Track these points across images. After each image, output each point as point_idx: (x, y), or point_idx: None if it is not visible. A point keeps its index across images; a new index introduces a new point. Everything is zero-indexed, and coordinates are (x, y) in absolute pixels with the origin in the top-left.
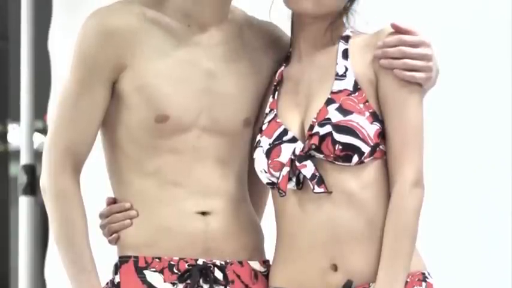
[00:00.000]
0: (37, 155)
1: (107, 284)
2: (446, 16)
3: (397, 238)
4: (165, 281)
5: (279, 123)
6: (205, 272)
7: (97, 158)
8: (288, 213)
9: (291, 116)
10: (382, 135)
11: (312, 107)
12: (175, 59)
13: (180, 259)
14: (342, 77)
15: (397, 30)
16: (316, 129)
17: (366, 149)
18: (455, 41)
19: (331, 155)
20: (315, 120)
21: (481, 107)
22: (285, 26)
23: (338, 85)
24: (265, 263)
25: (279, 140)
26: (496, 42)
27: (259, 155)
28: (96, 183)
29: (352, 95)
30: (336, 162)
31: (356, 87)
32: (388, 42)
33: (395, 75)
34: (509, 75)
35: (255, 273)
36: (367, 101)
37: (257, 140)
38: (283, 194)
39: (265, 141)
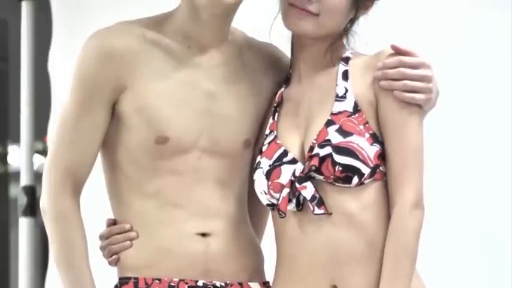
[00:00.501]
0: (37, 176)
1: None
2: (447, 37)
3: (397, 259)
4: None
5: (279, 144)
6: None
7: (97, 179)
8: (288, 235)
9: (291, 138)
10: (382, 156)
11: (312, 128)
12: (175, 81)
13: (180, 280)
14: (342, 98)
15: (397, 51)
16: (316, 150)
17: (366, 171)
18: (455, 62)
19: (331, 177)
20: (315, 142)
21: (481, 129)
22: (285, 47)
23: (338, 106)
24: (265, 284)
25: (279, 162)
26: (496, 64)
27: (259, 177)
28: (96, 204)
29: (352, 116)
30: (336, 184)
31: (356, 109)
32: (388, 64)
33: (395, 96)
34: (509, 97)
35: None
36: (367, 123)
37: (257, 161)
38: (283, 215)
39: (265, 163)
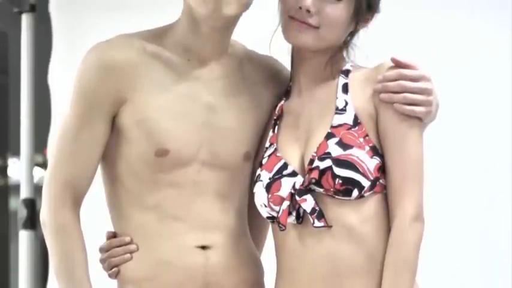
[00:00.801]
0: (37, 189)
1: None
2: (447, 50)
3: (397, 272)
4: None
5: (279, 157)
6: None
7: (97, 192)
8: (288, 247)
9: (291, 150)
10: (382, 169)
11: (312, 141)
12: (175, 93)
13: None
14: (342, 111)
15: (397, 64)
16: (316, 163)
17: (365, 183)
18: (455, 75)
19: (331, 189)
20: (315, 155)
21: (481, 142)
22: (285, 60)
23: (338, 119)
24: None
25: (279, 174)
26: (496, 77)
27: (259, 189)
28: (96, 217)
29: (352, 129)
30: (336, 197)
31: (356, 122)
32: (388, 76)
33: (395, 109)
34: (509, 110)
35: None
36: (367, 135)
37: (257, 174)
38: (283, 228)
39: (265, 176)
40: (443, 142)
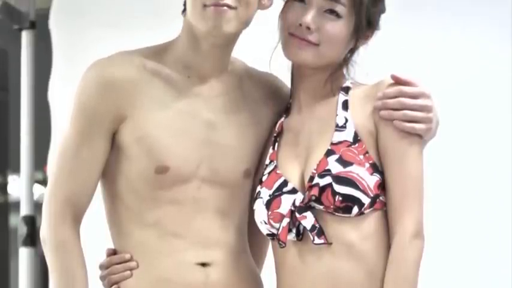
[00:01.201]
0: (37, 206)
1: None
2: (446, 67)
3: None
4: None
5: (279, 174)
6: None
7: (97, 209)
8: (288, 265)
9: (291, 167)
10: (382, 186)
11: (312, 158)
12: (175, 110)
13: None
14: (342, 128)
15: (397, 81)
16: (316, 180)
17: (366, 200)
18: (455, 92)
19: (331, 206)
20: (315, 172)
21: (481, 158)
22: (285, 77)
23: (338, 136)
24: None
25: (279, 191)
26: (496, 94)
27: (259, 206)
28: (96, 234)
29: (352, 146)
30: (336, 214)
31: (356, 139)
32: (388, 94)
33: (395, 126)
34: (509, 127)
35: None
36: (367, 152)
37: (257, 191)
38: (283, 245)
39: (265, 193)
40: (443, 159)
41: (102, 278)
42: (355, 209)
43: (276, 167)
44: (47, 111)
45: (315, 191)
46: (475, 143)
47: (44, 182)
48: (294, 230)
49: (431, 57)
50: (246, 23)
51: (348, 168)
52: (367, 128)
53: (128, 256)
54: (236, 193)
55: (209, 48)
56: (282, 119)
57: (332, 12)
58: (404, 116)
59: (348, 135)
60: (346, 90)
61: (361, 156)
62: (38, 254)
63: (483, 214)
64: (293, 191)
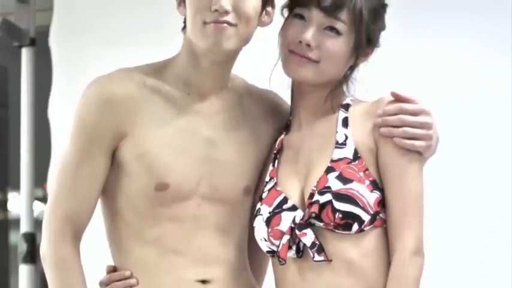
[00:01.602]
0: (37, 223)
1: None
2: (446, 84)
3: None
4: None
5: (279, 191)
6: None
7: (97, 226)
8: (288, 281)
9: (291, 184)
10: (382, 203)
11: (312, 175)
12: (175, 127)
13: None
14: (342, 145)
15: (397, 98)
16: (316, 197)
17: (366, 218)
18: (455, 109)
19: (331, 223)
20: (315, 189)
21: (481, 175)
22: (285, 94)
23: (338, 153)
24: None
25: (279, 209)
26: (496, 111)
27: (259, 223)
28: (96, 251)
29: (352, 163)
30: (336, 231)
31: (356, 156)
32: (388, 111)
33: (395, 143)
34: (509, 141)
35: None
36: (367, 169)
37: (257, 208)
38: (283, 262)
39: (265, 210)
40: (443, 176)
41: None
42: (355, 226)
43: (276, 184)
44: (47, 128)
45: (315, 208)
46: (475, 159)
47: (44, 199)
48: (294, 247)
49: (431, 74)
50: (246, 40)
51: (348, 185)
52: (367, 145)
53: (128, 273)
54: (236, 210)
55: (209, 65)
56: (282, 136)
57: (332, 29)
58: (404, 133)
59: (348, 152)
60: (346, 107)
61: (361, 174)
62: (38, 271)
63: (483, 232)
64: (293, 208)
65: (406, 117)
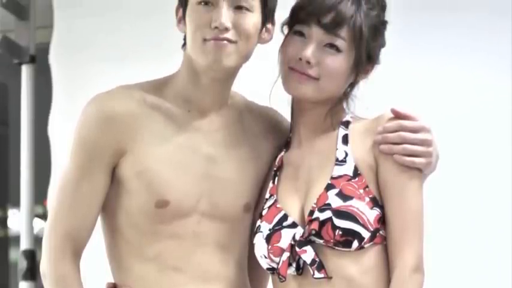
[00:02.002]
0: (37, 240)
1: None
2: (446, 100)
3: None
4: None
5: (279, 208)
6: None
7: (97, 243)
8: None
9: (291, 202)
10: (382, 220)
11: (312, 192)
12: (175, 145)
13: None
14: (342, 162)
15: (397, 115)
16: (316, 214)
17: (366, 235)
18: (455, 126)
19: (331, 241)
20: (315, 206)
21: (481, 193)
22: (285, 111)
23: (338, 170)
24: None
25: (279, 226)
26: (496, 129)
27: (259, 241)
28: (96, 268)
29: (352, 180)
30: (336, 248)
31: (356, 173)
32: (388, 128)
33: (395, 160)
34: (509, 158)
35: None
36: (367, 187)
37: (257, 225)
38: (283, 279)
39: (265, 227)
40: (443, 193)
41: None
42: (355, 243)
43: (276, 201)
44: (47, 145)
45: (315, 225)
46: (475, 176)
47: (44, 216)
48: (294, 264)
49: (431, 91)
50: (246, 57)
51: (348, 203)
52: (367, 162)
53: None
54: (236, 227)
55: (209, 82)
56: (282, 153)
57: (332, 46)
58: (404, 150)
59: (348, 169)
60: (346, 124)
61: (361, 191)
62: None
63: (483, 251)
64: (293, 225)
65: (406, 134)
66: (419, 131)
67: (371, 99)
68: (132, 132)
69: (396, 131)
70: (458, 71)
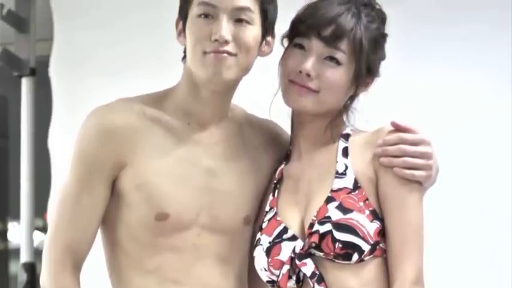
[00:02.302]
0: (37, 253)
1: None
2: (446, 113)
3: None
4: None
5: (279, 221)
6: None
7: (97, 256)
8: None
9: (291, 214)
10: (382, 233)
11: (312, 205)
12: (175, 157)
13: None
14: (342, 175)
15: (397, 128)
16: (316, 227)
17: (366, 247)
18: (455, 139)
19: (331, 253)
20: (315, 219)
21: (481, 206)
22: (285, 124)
23: (338, 183)
24: None
25: (279, 238)
26: (496, 142)
27: (259, 253)
28: (96, 281)
29: (352, 193)
30: (336, 261)
31: (356, 186)
32: (388, 141)
33: (395, 173)
34: (510, 171)
35: None
36: (367, 199)
37: (257, 238)
38: None
39: (265, 240)
40: (443, 206)
41: None
42: (355, 256)
43: (276, 213)
44: (47, 158)
45: (315, 238)
46: (476, 189)
47: (44, 229)
48: (294, 277)
49: (431, 103)
50: (246, 70)
51: (348, 215)
52: (367, 175)
53: None
54: (236, 240)
55: (209, 95)
56: (282, 166)
57: (332, 59)
58: (404, 163)
59: (348, 182)
60: (346, 137)
61: (361, 203)
62: None
63: (483, 264)
64: (293, 238)
65: (406, 147)
66: (419, 144)
67: (371, 112)
68: (132, 145)
69: (396, 143)
70: (458, 84)
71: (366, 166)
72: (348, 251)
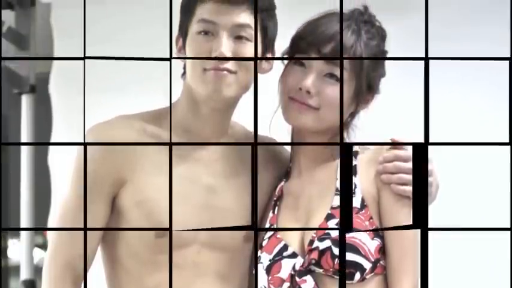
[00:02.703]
0: (37, 270)
1: None
2: (447, 131)
3: None
4: None
5: (279, 238)
6: None
7: (97, 273)
8: None
9: (291, 232)
10: (383, 250)
11: (312, 222)
12: (175, 175)
13: None
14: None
15: (395, 145)
16: (316, 244)
17: (367, 266)
18: (455, 156)
19: (331, 269)
20: (314, 235)
21: (482, 220)
22: (285, 141)
23: (338, 200)
24: None
25: (279, 256)
26: (496, 159)
27: (259, 271)
28: None
29: (360, 212)
30: (335, 277)
31: (363, 205)
32: (386, 158)
33: (391, 189)
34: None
35: None
36: (371, 218)
37: (258, 256)
38: None
39: (265, 257)
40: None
41: None
42: (357, 275)
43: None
44: (47, 175)
45: (314, 255)
46: (476, 207)
47: (44, 246)
48: None
49: (431, 121)
50: (246, 88)
51: (350, 234)
52: (371, 193)
53: None
54: (236, 257)
55: (209, 112)
56: (282, 183)
57: (332, 76)
58: (399, 180)
59: (356, 201)
60: (355, 154)
61: (367, 223)
62: None
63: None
64: (293, 255)
65: (401, 164)
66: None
67: (372, 129)
68: (132, 162)
69: (392, 161)
70: (459, 101)
71: (370, 184)
72: (350, 270)
